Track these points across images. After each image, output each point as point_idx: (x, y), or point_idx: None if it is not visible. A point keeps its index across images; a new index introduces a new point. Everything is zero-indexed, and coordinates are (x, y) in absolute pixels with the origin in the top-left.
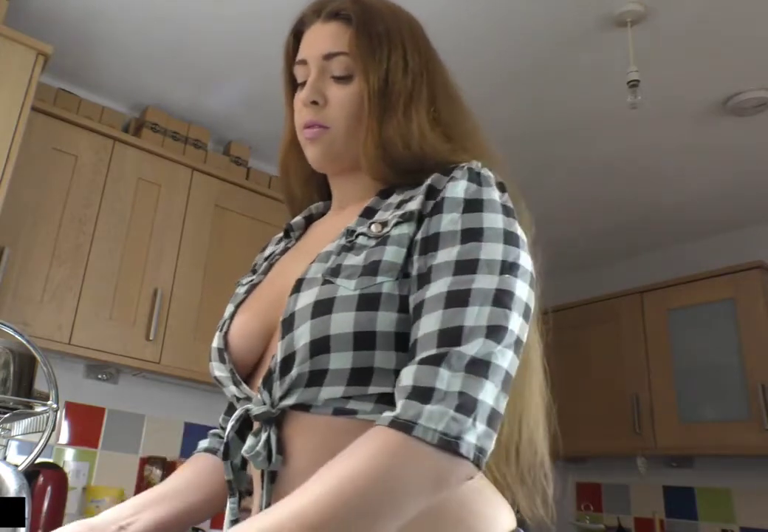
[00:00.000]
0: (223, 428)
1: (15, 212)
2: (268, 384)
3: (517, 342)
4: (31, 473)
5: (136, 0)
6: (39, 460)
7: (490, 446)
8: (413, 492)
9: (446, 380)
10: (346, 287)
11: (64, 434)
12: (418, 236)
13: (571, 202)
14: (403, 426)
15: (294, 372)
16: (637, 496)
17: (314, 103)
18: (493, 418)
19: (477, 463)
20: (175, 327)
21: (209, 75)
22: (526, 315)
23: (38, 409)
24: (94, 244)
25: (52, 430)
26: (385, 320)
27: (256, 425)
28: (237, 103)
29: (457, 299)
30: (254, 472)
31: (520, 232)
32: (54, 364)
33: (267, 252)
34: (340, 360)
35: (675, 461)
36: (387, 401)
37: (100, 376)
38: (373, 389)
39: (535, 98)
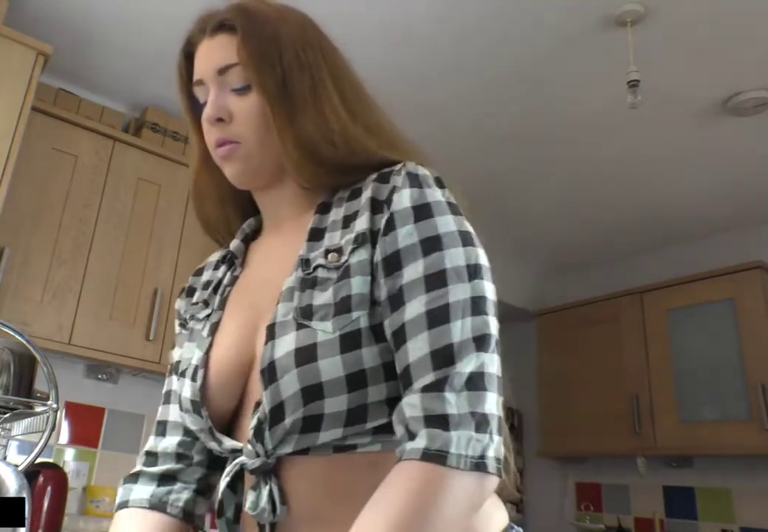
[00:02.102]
0: (184, 459)
1: (15, 212)
2: (259, 435)
3: (497, 343)
4: (31, 473)
5: (136, 0)
6: (39, 460)
7: (503, 452)
8: (457, 519)
9: (455, 403)
10: (324, 330)
11: (64, 434)
12: (378, 258)
13: (572, 203)
14: (437, 457)
15: (287, 421)
16: (637, 496)
17: (219, 120)
18: (500, 425)
19: (499, 474)
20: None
21: None
22: (496, 312)
23: (38, 409)
24: (94, 244)
25: (52, 430)
26: (370, 356)
27: (251, 478)
28: None
29: (439, 316)
30: (248, 523)
31: (469, 227)
32: (54, 364)
33: (205, 277)
34: (336, 404)
35: (675, 461)
36: (384, 430)
37: (100, 376)
38: (370, 424)
39: (536, 98)
